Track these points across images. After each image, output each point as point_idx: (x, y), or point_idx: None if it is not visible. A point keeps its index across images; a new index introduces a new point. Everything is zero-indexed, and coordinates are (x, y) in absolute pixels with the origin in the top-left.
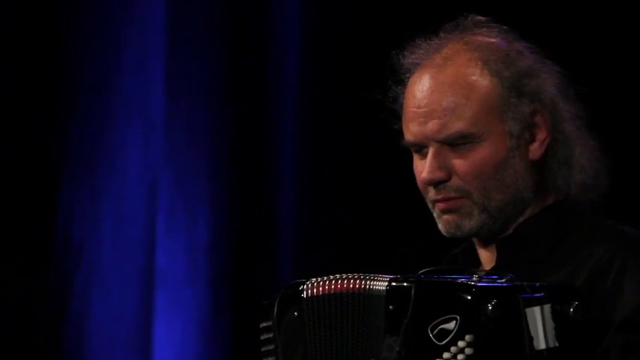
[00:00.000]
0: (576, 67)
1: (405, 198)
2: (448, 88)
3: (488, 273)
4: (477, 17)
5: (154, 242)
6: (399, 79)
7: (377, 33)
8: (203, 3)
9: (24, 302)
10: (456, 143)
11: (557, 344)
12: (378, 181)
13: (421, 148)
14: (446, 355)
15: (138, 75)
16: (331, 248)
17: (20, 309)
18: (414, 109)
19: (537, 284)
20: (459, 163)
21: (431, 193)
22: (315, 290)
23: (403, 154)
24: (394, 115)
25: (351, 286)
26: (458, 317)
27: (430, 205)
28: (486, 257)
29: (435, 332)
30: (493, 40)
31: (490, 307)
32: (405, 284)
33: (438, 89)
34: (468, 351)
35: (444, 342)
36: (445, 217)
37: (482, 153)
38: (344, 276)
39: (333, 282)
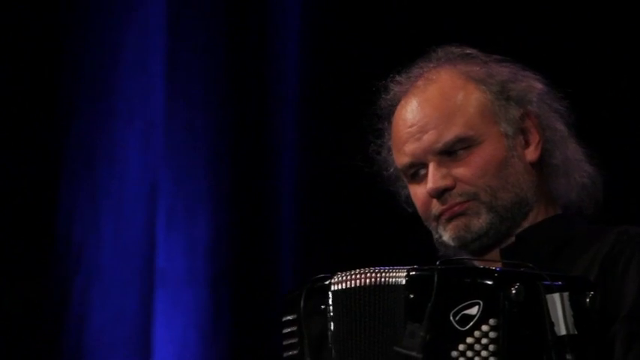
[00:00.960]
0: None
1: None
2: (438, 101)
3: (504, 265)
4: (451, 46)
5: (153, 242)
6: (379, 130)
7: (377, 33)
8: (203, 3)
9: (24, 302)
10: (455, 150)
11: (576, 332)
12: (379, 181)
13: (418, 172)
14: (469, 339)
15: (138, 75)
16: (331, 248)
17: (21, 309)
18: (407, 130)
19: (555, 274)
20: (461, 170)
21: (435, 208)
22: (342, 284)
23: None
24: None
25: (373, 278)
26: (481, 302)
27: (433, 225)
28: None
29: (457, 318)
30: (470, 57)
31: (514, 291)
32: (425, 273)
33: (427, 104)
34: (492, 334)
35: (467, 327)
36: (453, 223)
37: (482, 154)
38: (367, 270)
39: (358, 275)
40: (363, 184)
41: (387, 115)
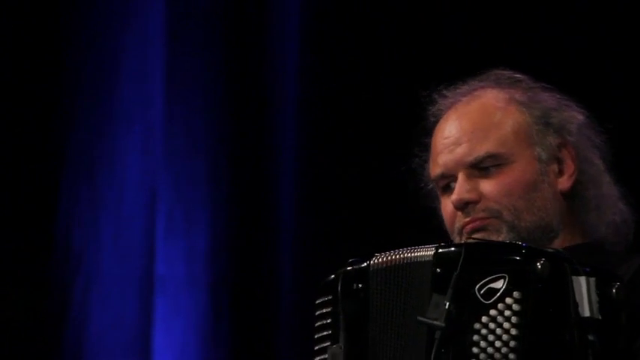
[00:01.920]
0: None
1: (406, 199)
2: (476, 116)
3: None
4: (501, 70)
5: (153, 248)
6: (424, 144)
7: (377, 33)
8: (202, 9)
9: (25, 308)
10: (485, 166)
11: (600, 317)
12: (378, 184)
13: (449, 184)
14: (492, 312)
15: (137, 81)
16: (330, 253)
17: (21, 315)
18: (443, 141)
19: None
20: (488, 185)
21: (458, 221)
22: (380, 265)
23: (405, 155)
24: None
25: (404, 256)
26: (506, 276)
27: (457, 239)
28: None
29: (482, 291)
30: (518, 83)
31: (539, 266)
32: (452, 249)
33: (465, 118)
34: (515, 307)
35: (492, 300)
36: (474, 236)
37: (511, 174)
38: (400, 249)
39: (393, 255)
40: (362, 188)
41: (431, 128)
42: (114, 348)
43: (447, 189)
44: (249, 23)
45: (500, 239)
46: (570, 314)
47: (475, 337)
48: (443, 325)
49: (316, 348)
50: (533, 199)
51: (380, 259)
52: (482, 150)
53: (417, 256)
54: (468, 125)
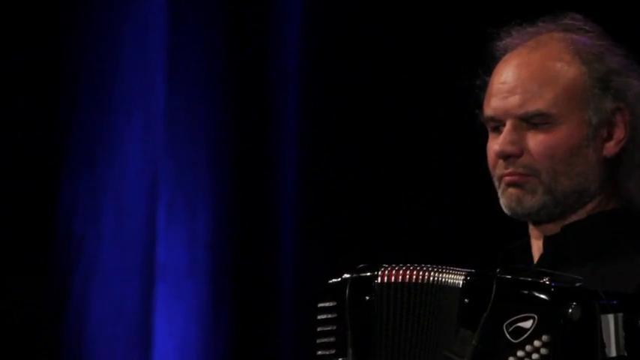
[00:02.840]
0: None
1: (407, 196)
2: (536, 68)
3: (557, 275)
4: (575, 15)
5: (154, 235)
6: (491, 60)
7: (377, 32)
8: None
9: (25, 296)
10: (534, 122)
11: (625, 354)
12: (381, 176)
13: (498, 126)
14: (520, 353)
15: (138, 70)
16: (332, 241)
17: (21, 303)
18: (499, 85)
19: (610, 292)
20: (533, 142)
21: (499, 168)
22: (389, 277)
23: (404, 154)
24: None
25: (427, 276)
26: (535, 317)
27: (496, 183)
28: (539, 250)
29: (510, 330)
30: (588, 34)
31: (570, 311)
32: (483, 280)
33: (525, 67)
34: (543, 351)
35: (519, 340)
36: (510, 190)
37: (557, 135)
38: (418, 266)
39: (408, 271)
40: (364, 179)
41: (494, 60)
42: (115, 335)
43: (496, 130)
44: (250, 12)
45: (533, 201)
46: (597, 356)
47: None
48: None
49: (319, 353)
50: (574, 164)
51: (391, 272)
52: (533, 106)
53: (445, 279)
54: (526, 75)
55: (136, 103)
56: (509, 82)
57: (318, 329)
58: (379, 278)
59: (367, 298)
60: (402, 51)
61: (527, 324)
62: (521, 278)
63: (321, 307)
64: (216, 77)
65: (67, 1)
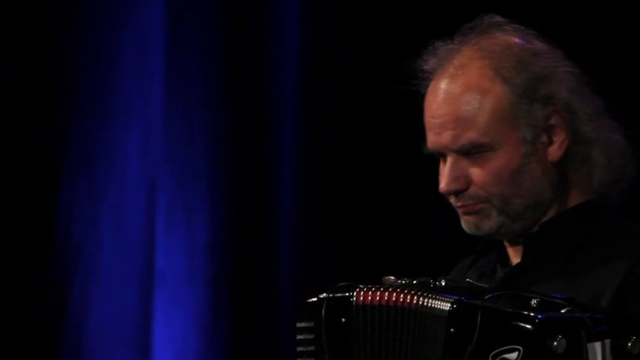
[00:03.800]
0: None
1: (407, 198)
2: (460, 99)
3: (545, 296)
4: (494, 18)
5: (153, 241)
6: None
7: (377, 32)
8: (202, 2)
9: (24, 301)
10: (471, 153)
11: None
12: (380, 180)
13: (443, 154)
14: None
15: (137, 74)
16: (331, 248)
17: (20, 308)
18: (431, 120)
19: (598, 315)
20: (475, 172)
21: (452, 200)
22: (364, 298)
23: (404, 154)
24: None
25: (408, 300)
26: (521, 349)
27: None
28: (513, 253)
29: None
30: (509, 42)
31: (555, 343)
32: (469, 309)
33: (450, 100)
34: None
35: None
36: (465, 217)
37: (497, 162)
38: (398, 288)
39: (386, 293)
40: (364, 184)
41: (424, 82)
42: (114, 342)
43: (442, 156)
44: (249, 17)
45: (490, 224)
46: None
47: None
48: None
49: None
50: (521, 183)
51: (368, 292)
52: (464, 140)
53: (428, 306)
54: (451, 110)
55: (135, 108)
56: (438, 117)
57: (298, 349)
58: (354, 299)
59: (343, 320)
60: (400, 55)
61: (513, 356)
62: (508, 310)
63: (300, 328)
64: (214, 82)
65: (66, 6)
